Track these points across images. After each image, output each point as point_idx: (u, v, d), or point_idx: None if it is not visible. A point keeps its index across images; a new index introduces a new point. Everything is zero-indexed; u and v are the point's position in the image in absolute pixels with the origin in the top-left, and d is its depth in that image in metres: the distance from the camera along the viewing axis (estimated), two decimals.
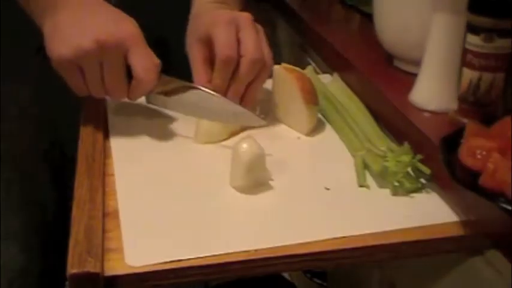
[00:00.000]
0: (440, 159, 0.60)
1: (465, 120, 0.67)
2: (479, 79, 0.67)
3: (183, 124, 0.82)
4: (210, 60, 0.81)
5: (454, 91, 0.71)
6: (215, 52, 0.79)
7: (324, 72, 1.01)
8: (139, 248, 0.58)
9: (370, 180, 0.70)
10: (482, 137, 0.60)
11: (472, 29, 0.66)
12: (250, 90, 0.81)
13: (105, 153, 0.75)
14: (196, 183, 0.70)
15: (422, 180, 0.69)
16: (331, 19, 1.21)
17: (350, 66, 0.92)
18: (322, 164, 0.76)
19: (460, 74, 0.70)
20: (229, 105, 0.78)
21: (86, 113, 0.81)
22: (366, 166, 0.72)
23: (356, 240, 0.60)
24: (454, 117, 0.71)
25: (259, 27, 0.82)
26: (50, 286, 0.98)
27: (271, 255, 0.57)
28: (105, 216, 0.62)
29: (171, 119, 0.82)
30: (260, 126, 0.79)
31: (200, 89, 0.79)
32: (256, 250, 0.57)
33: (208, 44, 0.80)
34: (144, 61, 0.74)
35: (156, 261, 0.56)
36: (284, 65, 0.84)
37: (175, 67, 0.78)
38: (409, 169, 0.68)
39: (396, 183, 0.68)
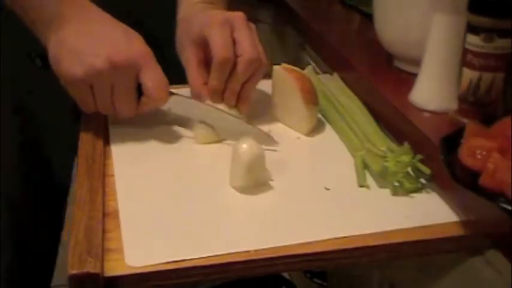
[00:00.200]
0: (440, 159, 0.60)
1: (465, 120, 0.67)
2: (479, 79, 0.67)
3: (184, 124, 0.82)
4: (204, 62, 0.82)
5: (454, 91, 0.71)
6: (212, 54, 0.78)
7: (324, 72, 1.01)
8: (139, 248, 0.58)
9: (370, 180, 0.70)
10: (482, 137, 0.60)
11: (472, 29, 0.66)
12: (246, 89, 0.81)
13: (105, 154, 0.75)
14: (196, 183, 0.70)
15: (422, 180, 0.69)
16: (331, 19, 1.21)
17: (350, 66, 0.92)
18: (322, 164, 0.76)
19: (460, 74, 0.70)
20: (240, 126, 0.78)
21: (85, 114, 0.80)
22: (366, 166, 0.72)
23: (356, 240, 0.60)
24: (454, 117, 0.71)
25: (252, 25, 0.82)
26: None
27: (272, 255, 0.57)
28: (105, 216, 0.62)
29: (171, 120, 0.82)
30: (271, 146, 0.78)
31: (211, 107, 0.79)
32: (256, 250, 0.57)
33: (202, 45, 0.81)
34: (156, 80, 0.74)
35: (156, 262, 0.56)
36: (284, 65, 0.84)
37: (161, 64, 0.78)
38: (409, 169, 0.68)
39: (396, 183, 0.68)
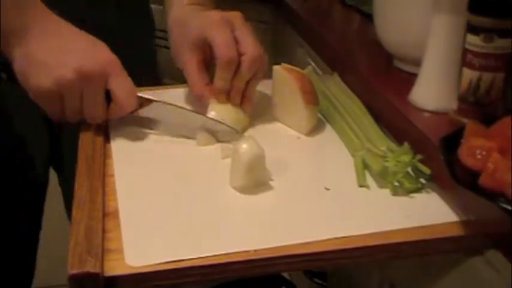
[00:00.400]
0: (440, 159, 0.60)
1: (465, 120, 0.67)
2: (479, 79, 0.67)
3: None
4: (204, 63, 0.82)
5: (454, 91, 0.71)
6: (215, 54, 0.79)
7: (324, 72, 1.01)
8: (139, 248, 0.58)
9: (370, 180, 0.70)
10: (482, 137, 0.60)
11: (472, 29, 0.66)
12: (249, 87, 0.81)
13: (105, 154, 0.75)
14: (196, 183, 0.70)
15: (422, 180, 0.69)
16: (331, 19, 1.21)
17: (350, 66, 0.92)
18: (322, 164, 0.76)
19: (460, 74, 0.70)
20: (206, 122, 0.79)
21: None
22: (366, 166, 0.72)
23: (356, 240, 0.60)
24: (454, 117, 0.71)
25: (248, 24, 0.82)
26: None
27: (271, 255, 0.57)
28: (105, 216, 0.62)
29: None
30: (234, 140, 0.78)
31: (173, 106, 0.80)
32: (256, 250, 0.57)
33: (202, 47, 0.81)
34: (125, 87, 0.75)
35: (156, 262, 0.56)
36: (284, 65, 0.84)
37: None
38: (409, 169, 0.68)
39: (396, 183, 0.68)
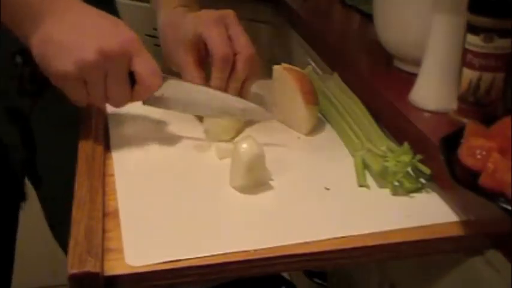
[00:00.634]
0: (440, 159, 0.60)
1: (465, 120, 0.67)
2: (479, 79, 0.67)
3: (183, 124, 0.82)
4: (199, 62, 0.82)
5: (454, 91, 0.71)
6: (211, 53, 0.79)
7: (324, 72, 1.01)
8: (139, 248, 0.58)
9: (370, 180, 0.70)
10: (482, 137, 0.60)
11: (472, 29, 0.66)
12: (245, 86, 0.82)
13: (105, 154, 0.74)
14: (196, 183, 0.70)
15: (422, 180, 0.69)
16: (331, 19, 1.21)
17: (350, 66, 0.92)
18: (322, 164, 0.76)
19: (460, 74, 0.70)
20: (236, 102, 0.78)
21: (85, 114, 0.80)
22: (366, 166, 0.72)
23: (356, 240, 0.60)
24: (454, 117, 0.71)
25: (241, 22, 0.82)
26: None
27: (271, 255, 0.57)
28: (105, 216, 0.62)
29: (171, 119, 0.82)
30: (268, 119, 0.79)
31: (200, 86, 0.78)
32: (255, 250, 0.57)
33: (197, 46, 0.81)
34: (149, 66, 0.72)
35: (156, 261, 0.56)
36: (284, 65, 0.84)
37: None
38: (409, 169, 0.68)
39: (396, 183, 0.68)
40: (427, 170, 0.68)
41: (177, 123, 0.82)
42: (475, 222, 0.62)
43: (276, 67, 0.84)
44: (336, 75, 0.92)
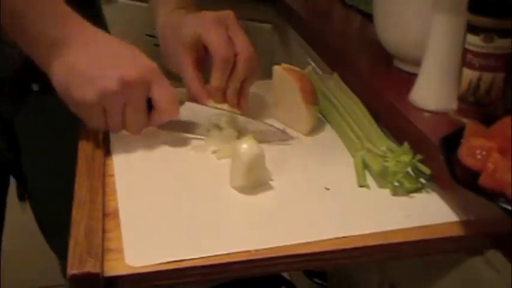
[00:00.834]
0: (440, 159, 0.60)
1: (465, 120, 0.67)
2: (479, 79, 0.67)
3: None
4: (199, 64, 0.82)
5: (454, 91, 0.71)
6: (211, 53, 0.80)
7: (324, 72, 1.01)
8: (139, 248, 0.58)
9: (370, 180, 0.70)
10: (482, 137, 0.60)
11: (472, 29, 0.66)
12: (245, 86, 0.82)
13: (105, 154, 0.75)
14: (196, 183, 0.70)
15: (422, 180, 0.69)
16: (331, 19, 1.21)
17: (350, 66, 0.92)
18: (322, 164, 0.76)
19: (460, 74, 0.70)
20: (254, 124, 0.79)
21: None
22: (366, 166, 0.72)
23: (355, 240, 0.60)
24: (454, 117, 0.71)
25: (240, 23, 0.83)
26: None
27: (271, 255, 0.57)
28: (105, 216, 0.62)
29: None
30: (285, 140, 0.79)
31: (216, 110, 0.79)
32: (256, 250, 0.57)
33: (196, 47, 0.81)
34: (167, 94, 0.73)
35: (156, 262, 0.56)
36: (284, 65, 0.84)
37: None
38: (409, 169, 0.68)
39: (396, 183, 0.68)
40: (427, 170, 0.68)
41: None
42: (475, 222, 0.62)
43: (276, 67, 0.84)
44: (336, 75, 0.92)
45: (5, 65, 0.88)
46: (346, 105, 0.84)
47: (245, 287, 1.05)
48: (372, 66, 0.92)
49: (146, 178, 0.71)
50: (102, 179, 0.68)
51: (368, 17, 1.05)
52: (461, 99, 0.70)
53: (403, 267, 0.78)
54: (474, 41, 0.66)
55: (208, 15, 0.82)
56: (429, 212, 0.65)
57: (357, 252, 0.59)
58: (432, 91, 0.75)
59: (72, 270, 0.53)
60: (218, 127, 0.79)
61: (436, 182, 0.68)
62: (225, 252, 0.57)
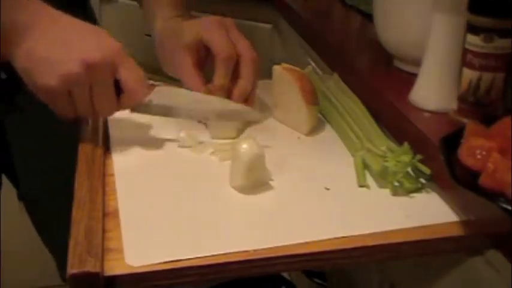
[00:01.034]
0: (440, 159, 0.60)
1: (465, 120, 0.67)
2: (479, 79, 0.67)
3: (183, 124, 0.82)
4: (198, 66, 0.82)
5: (454, 91, 0.71)
6: (214, 52, 0.80)
7: (324, 72, 1.01)
8: (139, 248, 0.58)
9: (370, 180, 0.70)
10: (482, 137, 0.60)
11: (472, 29, 0.66)
12: (252, 91, 0.82)
13: (105, 154, 0.74)
14: (196, 183, 0.70)
15: (422, 180, 0.69)
16: (331, 19, 1.21)
17: (350, 66, 0.92)
18: (322, 164, 0.76)
19: (460, 74, 0.70)
20: (224, 103, 0.78)
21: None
22: (366, 166, 0.72)
23: (356, 240, 0.60)
24: (454, 117, 0.71)
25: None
26: None
27: (271, 255, 0.57)
28: (105, 216, 0.62)
29: (172, 119, 0.82)
30: (260, 120, 0.80)
31: (187, 91, 0.79)
32: (255, 250, 0.57)
33: (197, 49, 0.82)
34: (134, 75, 0.72)
35: (156, 261, 0.56)
36: (284, 65, 0.84)
37: None
38: (409, 169, 0.68)
39: (396, 183, 0.68)
40: (427, 170, 0.68)
41: (178, 123, 0.82)
42: (475, 222, 0.62)
43: (276, 67, 0.84)
44: (336, 75, 0.92)
45: None
46: (346, 105, 0.84)
47: (245, 287, 1.05)
48: (372, 66, 0.92)
49: (146, 178, 0.71)
50: (102, 179, 0.68)
51: (368, 17, 1.05)
52: (461, 99, 0.70)
53: (403, 267, 0.78)
54: (474, 41, 0.66)
55: (209, 18, 0.83)
56: (429, 212, 0.65)
57: (356, 252, 0.59)
58: (432, 91, 0.75)
59: (72, 269, 0.53)
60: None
61: (436, 182, 0.68)
62: (224, 252, 0.57)
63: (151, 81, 0.76)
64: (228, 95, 0.81)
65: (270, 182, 0.69)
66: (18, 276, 1.62)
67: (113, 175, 0.71)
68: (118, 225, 0.61)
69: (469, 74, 0.68)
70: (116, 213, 0.63)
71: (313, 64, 1.10)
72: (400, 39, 0.84)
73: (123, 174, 0.71)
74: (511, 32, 0.65)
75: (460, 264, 0.65)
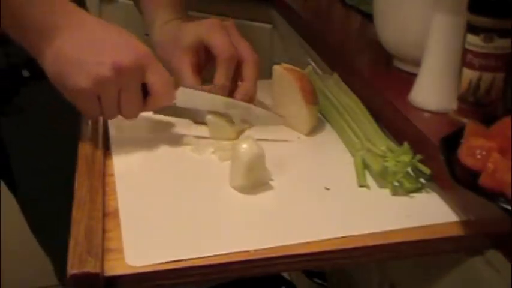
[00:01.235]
0: (440, 159, 0.60)
1: (465, 120, 0.67)
2: (479, 79, 0.67)
3: (184, 124, 0.82)
4: (198, 68, 0.83)
5: (454, 91, 0.71)
6: (215, 53, 0.80)
7: (324, 72, 1.01)
8: (139, 248, 0.58)
9: (370, 180, 0.70)
10: (482, 137, 0.60)
11: (472, 29, 0.66)
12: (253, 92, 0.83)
13: (105, 154, 0.75)
14: (196, 183, 0.70)
15: (422, 180, 0.69)
16: (331, 19, 1.21)
17: (350, 66, 0.92)
18: (322, 164, 0.76)
19: (460, 74, 0.70)
20: (249, 109, 0.79)
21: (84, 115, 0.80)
22: (366, 166, 0.72)
23: (355, 240, 0.60)
24: (454, 117, 0.71)
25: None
26: None
27: (271, 255, 0.57)
28: (105, 216, 0.62)
29: (172, 119, 0.82)
30: (278, 124, 0.81)
31: (211, 94, 0.79)
32: (256, 250, 0.57)
33: (196, 50, 0.82)
34: (162, 78, 0.73)
35: (156, 261, 0.56)
36: (284, 65, 0.84)
37: None
38: (409, 169, 0.68)
39: (396, 183, 0.68)
40: (427, 170, 0.68)
41: (178, 123, 0.82)
42: (475, 222, 0.62)
43: (276, 67, 0.84)
44: (336, 75, 0.92)
45: None
46: (346, 105, 0.84)
47: (245, 287, 1.05)
48: (372, 66, 0.92)
49: (146, 178, 0.71)
50: (102, 179, 0.68)
51: (368, 17, 1.05)
52: (461, 99, 0.70)
53: (403, 267, 0.78)
54: (474, 41, 0.66)
55: (210, 21, 0.83)
56: (429, 212, 0.65)
57: (357, 252, 0.59)
58: (432, 91, 0.75)
59: (72, 270, 0.53)
60: (217, 114, 0.79)
61: (436, 182, 0.68)
62: (224, 252, 0.57)
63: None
64: (229, 97, 0.82)
65: (270, 182, 0.69)
66: (18, 276, 1.62)
67: (112, 175, 0.71)
68: (118, 225, 0.61)
69: (469, 74, 0.68)
70: (116, 213, 0.63)
71: (313, 64, 1.10)
72: (400, 39, 0.84)
73: (123, 174, 0.71)
74: (511, 32, 0.65)
75: (460, 264, 0.65)
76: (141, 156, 0.76)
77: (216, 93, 0.81)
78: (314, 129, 0.83)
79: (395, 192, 0.68)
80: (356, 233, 0.60)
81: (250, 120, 0.79)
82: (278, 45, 1.41)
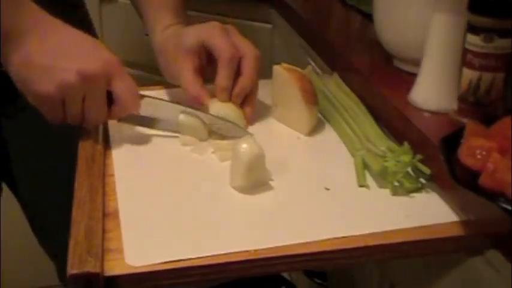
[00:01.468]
0: (440, 159, 0.60)
1: (465, 120, 0.67)
2: (479, 79, 0.67)
3: None
4: (199, 70, 0.83)
5: (454, 91, 0.71)
6: (217, 55, 0.80)
7: (324, 72, 1.01)
8: (139, 248, 0.58)
9: (370, 180, 0.70)
10: (482, 136, 0.60)
11: (472, 29, 0.66)
12: (254, 87, 0.83)
13: (105, 154, 0.75)
14: (196, 183, 0.70)
15: (422, 180, 0.69)
16: (331, 19, 1.21)
17: (350, 66, 0.92)
18: (322, 164, 0.76)
19: (460, 74, 0.70)
20: (208, 119, 0.79)
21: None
22: (366, 166, 0.72)
23: (355, 240, 0.60)
24: (454, 117, 0.71)
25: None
26: None
27: (271, 255, 0.57)
28: (105, 216, 0.62)
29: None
30: (239, 136, 0.78)
31: (175, 104, 0.80)
32: (256, 250, 0.57)
33: (198, 53, 0.82)
34: (128, 88, 0.73)
35: (156, 261, 0.56)
36: (284, 65, 0.84)
37: None
38: (409, 169, 0.68)
39: (396, 183, 0.68)
40: (427, 170, 0.68)
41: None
42: (475, 222, 0.62)
43: (276, 67, 0.84)
44: (336, 75, 0.92)
45: None
46: (346, 105, 0.84)
47: (245, 287, 1.05)
48: (372, 66, 0.92)
49: (146, 178, 0.71)
50: (102, 179, 0.68)
51: (368, 17, 1.05)
52: (461, 99, 0.70)
53: (403, 267, 0.78)
54: (474, 41, 0.66)
55: (211, 23, 0.83)
56: (429, 212, 0.65)
57: (357, 252, 0.59)
58: (432, 91, 0.75)
59: (72, 270, 0.53)
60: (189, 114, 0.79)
61: (436, 182, 0.68)
62: (224, 252, 0.57)
63: (141, 92, 0.77)
64: (230, 96, 0.82)
65: (270, 182, 0.69)
66: (18, 276, 1.62)
67: (112, 175, 0.71)
68: (118, 225, 0.61)
69: (469, 74, 0.68)
70: (116, 214, 0.63)
71: (313, 64, 1.10)
72: (400, 40, 0.84)
73: (123, 174, 0.71)
74: (511, 32, 0.65)
75: (460, 264, 0.65)
76: (141, 156, 0.76)
77: (218, 94, 0.81)
78: (314, 129, 0.83)
79: (395, 192, 0.68)
80: (356, 233, 0.60)
81: (212, 130, 0.79)
82: (278, 45, 1.41)
